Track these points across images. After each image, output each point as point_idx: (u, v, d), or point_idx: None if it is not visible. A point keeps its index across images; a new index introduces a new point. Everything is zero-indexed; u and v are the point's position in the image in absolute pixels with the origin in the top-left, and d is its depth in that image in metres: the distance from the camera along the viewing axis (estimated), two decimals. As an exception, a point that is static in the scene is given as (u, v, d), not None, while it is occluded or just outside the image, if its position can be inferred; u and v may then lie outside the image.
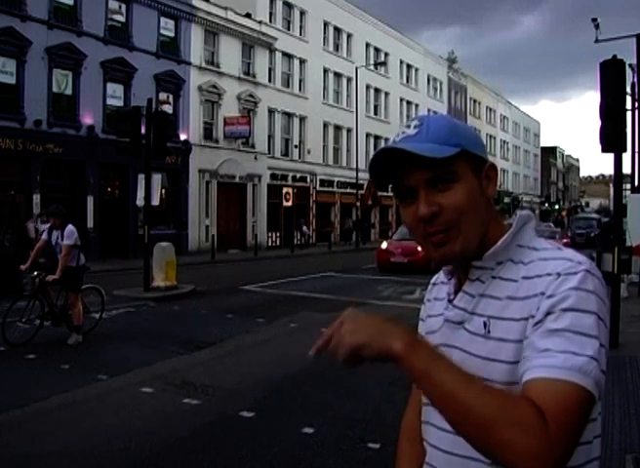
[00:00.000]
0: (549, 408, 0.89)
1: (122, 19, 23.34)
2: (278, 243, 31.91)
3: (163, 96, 24.89)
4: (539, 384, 0.92)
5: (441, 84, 51.15)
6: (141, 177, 14.00)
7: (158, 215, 20.23)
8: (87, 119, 21.72)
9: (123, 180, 23.22)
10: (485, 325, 1.07)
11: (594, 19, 16.09)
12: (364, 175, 36.56)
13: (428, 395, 0.98)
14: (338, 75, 37.78)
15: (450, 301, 1.17)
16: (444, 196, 1.08)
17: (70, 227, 7.86)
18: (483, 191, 1.11)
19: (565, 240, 27.08)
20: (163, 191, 16.77)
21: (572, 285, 0.99)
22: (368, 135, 40.46)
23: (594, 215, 44.44)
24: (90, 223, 21.57)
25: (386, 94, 42.95)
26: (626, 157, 14.80)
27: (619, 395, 5.66)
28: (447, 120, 1.14)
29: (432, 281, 1.33)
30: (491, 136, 60.08)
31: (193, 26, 26.29)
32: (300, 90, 34.39)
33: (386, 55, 42.41)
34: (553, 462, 0.87)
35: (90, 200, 21.90)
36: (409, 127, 1.12)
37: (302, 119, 34.37)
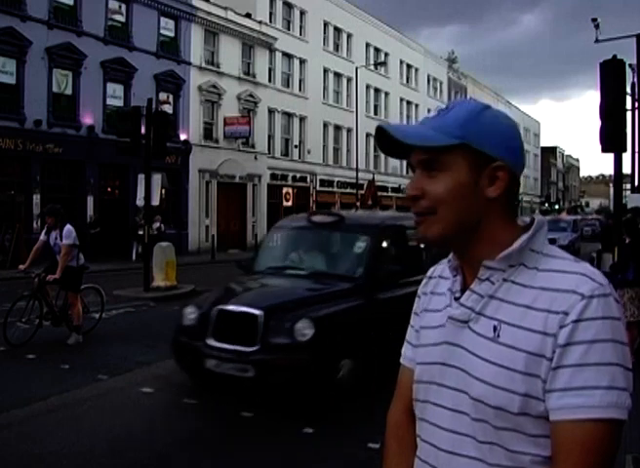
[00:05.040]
0: (590, 449, 0.95)
1: (122, 19, 23.34)
2: (278, 243, 31.89)
3: (163, 96, 24.89)
4: (580, 426, 0.96)
5: (441, 84, 51.15)
6: (141, 177, 13.99)
7: (158, 215, 20.22)
8: (87, 119, 21.72)
9: (123, 180, 23.22)
10: (495, 328, 1.05)
11: (594, 19, 16.10)
12: (364, 175, 36.55)
13: None
14: (338, 75, 37.77)
15: (456, 299, 1.14)
16: (429, 182, 1.09)
17: (68, 227, 7.86)
18: (479, 189, 1.08)
19: None
20: (163, 191, 16.78)
21: (599, 313, 0.98)
22: (368, 135, 40.40)
23: None
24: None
25: (386, 94, 42.95)
26: (626, 157, 14.83)
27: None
28: (469, 111, 1.11)
29: (428, 274, 1.30)
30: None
31: (193, 26, 26.29)
32: (300, 90, 34.39)
33: (386, 55, 42.41)
34: None
35: (90, 200, 21.90)
36: (436, 110, 1.15)
37: (302, 119, 34.37)
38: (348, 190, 36.54)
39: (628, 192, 18.12)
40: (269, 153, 31.43)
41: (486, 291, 1.09)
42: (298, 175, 33.62)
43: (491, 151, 1.08)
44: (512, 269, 1.07)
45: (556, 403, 0.97)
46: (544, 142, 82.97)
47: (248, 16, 29.39)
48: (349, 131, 37.82)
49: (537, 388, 0.99)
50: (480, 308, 1.09)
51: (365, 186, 36.34)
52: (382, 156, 42.71)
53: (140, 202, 14.37)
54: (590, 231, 40.00)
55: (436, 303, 1.21)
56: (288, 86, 33.51)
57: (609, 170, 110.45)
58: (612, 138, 7.61)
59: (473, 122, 1.09)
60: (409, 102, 46.26)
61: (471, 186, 1.08)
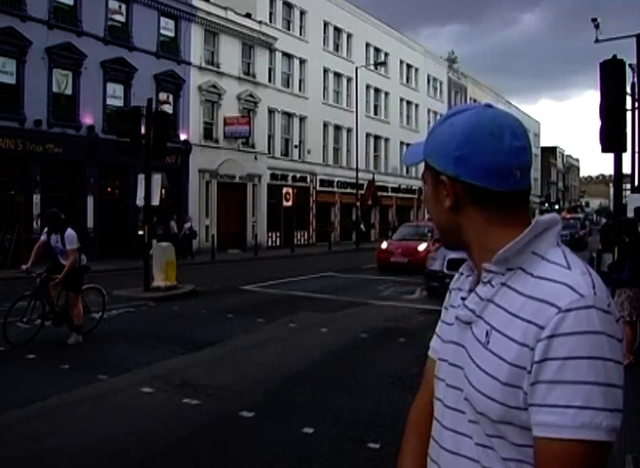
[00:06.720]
0: None
1: (122, 18, 23.34)
2: (278, 243, 31.92)
3: (163, 96, 24.89)
4: (552, 445, 0.92)
5: (441, 84, 51.14)
6: (141, 177, 13.98)
7: (158, 215, 20.21)
8: (87, 119, 21.72)
9: (123, 180, 23.21)
10: (487, 334, 1.03)
11: (594, 19, 16.08)
12: (364, 175, 36.56)
13: None
14: (338, 75, 37.77)
15: (463, 299, 1.14)
16: None
17: (70, 231, 7.87)
18: (441, 201, 1.11)
19: None
20: (163, 191, 16.75)
21: (576, 328, 0.92)
22: (368, 135, 40.44)
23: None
24: (90, 223, 21.58)
25: (386, 94, 42.95)
26: (626, 157, 14.83)
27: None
28: (435, 124, 1.15)
29: (460, 270, 1.27)
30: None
31: (193, 26, 26.29)
32: (300, 90, 34.38)
33: (386, 55, 42.40)
34: None
35: (90, 200, 21.89)
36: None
37: (302, 119, 34.36)
38: (348, 190, 36.55)
39: (628, 192, 18.11)
40: (269, 153, 31.43)
41: (486, 294, 1.07)
42: (298, 175, 33.63)
43: (436, 164, 1.11)
44: (510, 273, 1.05)
45: (534, 418, 0.94)
46: (544, 142, 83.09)
47: (248, 16, 29.39)
48: (349, 131, 37.82)
49: (517, 399, 0.97)
50: (479, 311, 1.08)
51: (365, 186, 36.38)
52: (382, 156, 42.73)
53: (140, 202, 14.35)
54: (569, 236, 28.40)
55: (454, 300, 1.21)
56: (288, 86, 33.51)
57: (609, 170, 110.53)
58: (612, 138, 7.61)
59: (429, 136, 1.14)
60: (409, 102, 46.26)
61: (436, 198, 1.13)
